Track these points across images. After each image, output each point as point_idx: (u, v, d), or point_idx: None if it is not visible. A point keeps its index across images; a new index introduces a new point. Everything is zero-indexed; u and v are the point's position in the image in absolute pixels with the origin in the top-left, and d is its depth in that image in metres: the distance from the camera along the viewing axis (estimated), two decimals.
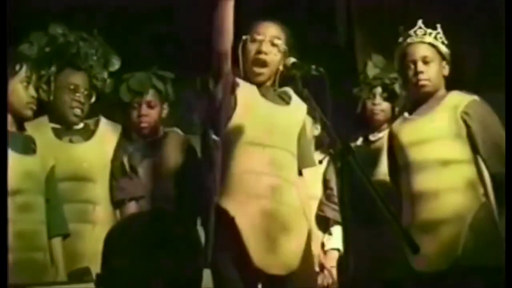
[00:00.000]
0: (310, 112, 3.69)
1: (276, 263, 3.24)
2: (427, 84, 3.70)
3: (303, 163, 3.51)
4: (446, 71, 3.76)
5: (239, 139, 3.32)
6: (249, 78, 3.42)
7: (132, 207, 3.69)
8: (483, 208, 3.59)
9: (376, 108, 4.33)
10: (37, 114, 3.60)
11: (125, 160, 3.70)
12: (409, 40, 3.76)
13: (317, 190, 3.81)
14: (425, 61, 3.70)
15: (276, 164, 3.33)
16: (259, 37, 3.39)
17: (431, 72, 3.70)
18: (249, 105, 3.35)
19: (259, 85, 3.42)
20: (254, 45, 3.39)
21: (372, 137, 4.37)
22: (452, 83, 3.81)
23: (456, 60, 3.87)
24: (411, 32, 3.77)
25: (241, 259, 3.21)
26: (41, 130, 3.60)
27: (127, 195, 3.69)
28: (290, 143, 3.42)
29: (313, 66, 3.13)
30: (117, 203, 3.69)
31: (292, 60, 3.28)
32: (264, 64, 3.38)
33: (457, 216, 3.55)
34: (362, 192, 2.69)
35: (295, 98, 3.49)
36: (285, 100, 3.49)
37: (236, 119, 3.33)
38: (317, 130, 4.28)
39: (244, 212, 3.25)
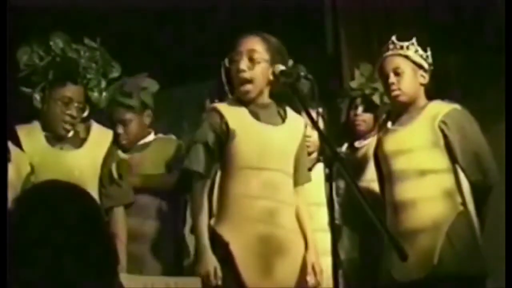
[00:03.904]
0: None
1: (271, 287, 3.25)
2: (399, 94, 3.75)
3: (299, 180, 3.49)
4: (424, 79, 3.79)
5: (233, 164, 3.33)
6: (240, 98, 3.40)
7: (120, 214, 3.70)
8: (461, 217, 3.63)
9: (357, 118, 4.40)
10: (29, 119, 3.60)
11: (113, 167, 3.70)
12: (384, 54, 3.82)
13: (319, 197, 3.81)
14: (397, 73, 3.75)
15: (271, 187, 3.32)
16: (236, 56, 3.35)
17: (404, 83, 3.74)
18: (241, 129, 3.33)
19: (251, 105, 3.39)
20: (234, 65, 3.35)
21: (357, 144, 4.41)
22: (436, 92, 3.86)
23: (441, 69, 3.91)
24: (385, 46, 3.83)
25: (237, 284, 3.23)
26: (33, 136, 3.60)
27: (115, 202, 3.70)
28: (285, 164, 3.39)
29: (302, 73, 3.14)
30: (106, 211, 3.69)
31: (281, 67, 3.27)
32: (246, 81, 3.33)
33: (434, 225, 3.60)
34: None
35: (291, 114, 3.47)
36: (280, 117, 3.45)
37: (229, 144, 3.32)
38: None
39: (238, 237, 3.27)
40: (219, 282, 3.24)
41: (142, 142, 4.19)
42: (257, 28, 3.51)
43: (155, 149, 4.17)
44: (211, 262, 3.24)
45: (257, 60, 3.32)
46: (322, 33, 5.37)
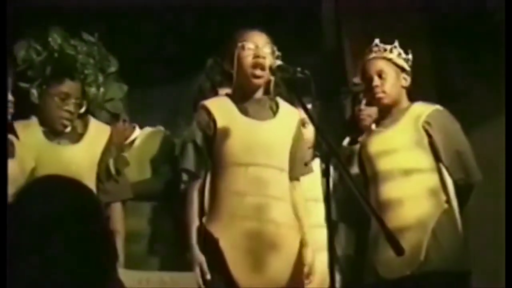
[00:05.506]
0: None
1: (263, 283, 3.25)
2: (383, 97, 3.79)
3: (298, 171, 3.51)
4: (406, 82, 3.84)
5: (221, 161, 3.35)
6: (245, 83, 3.41)
7: (118, 210, 3.70)
8: (445, 214, 3.66)
9: (362, 113, 4.39)
10: (26, 114, 3.59)
11: (111, 163, 3.69)
12: (366, 57, 3.85)
13: (316, 192, 3.81)
14: (380, 76, 3.79)
15: (260, 183, 3.33)
16: (253, 45, 3.38)
17: (388, 85, 3.79)
18: (228, 126, 3.36)
19: (242, 101, 3.41)
20: (250, 51, 3.38)
21: (360, 139, 4.39)
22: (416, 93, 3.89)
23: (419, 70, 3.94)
24: (368, 49, 3.85)
25: (227, 281, 3.24)
26: (31, 131, 3.59)
27: (112, 198, 3.70)
28: (276, 158, 3.40)
29: (299, 69, 3.14)
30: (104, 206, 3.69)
31: (278, 63, 3.29)
32: (263, 67, 3.37)
33: (420, 223, 3.62)
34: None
35: (283, 108, 3.48)
36: (272, 111, 3.47)
37: (217, 141, 3.35)
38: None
39: (228, 234, 3.28)
40: (208, 276, 3.27)
41: (129, 140, 4.22)
42: (256, 23, 3.52)
43: (143, 144, 4.20)
44: (197, 259, 3.29)
45: (271, 52, 3.39)
46: (323, 28, 5.36)
